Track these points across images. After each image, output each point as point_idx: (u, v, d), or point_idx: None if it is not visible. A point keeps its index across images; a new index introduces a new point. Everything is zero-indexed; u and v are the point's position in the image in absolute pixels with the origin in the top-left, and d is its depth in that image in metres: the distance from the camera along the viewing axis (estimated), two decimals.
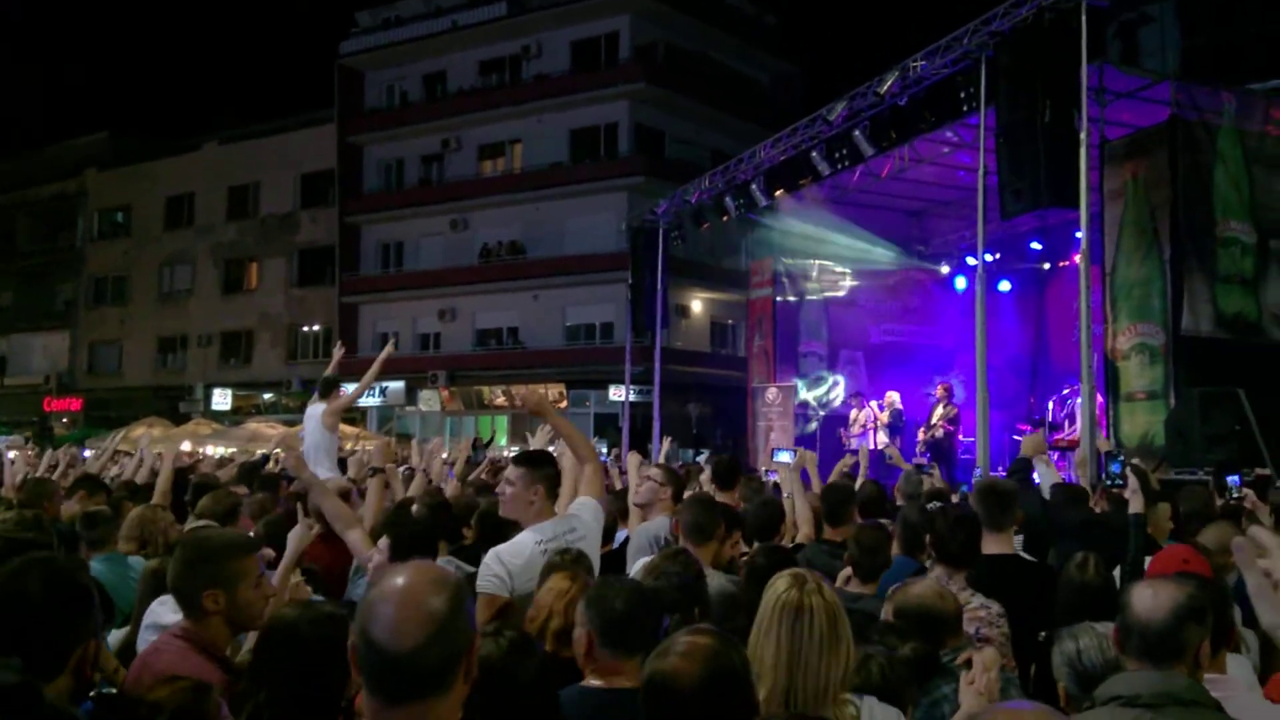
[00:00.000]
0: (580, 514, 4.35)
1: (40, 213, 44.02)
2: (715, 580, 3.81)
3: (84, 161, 42.74)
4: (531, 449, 4.85)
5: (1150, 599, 2.56)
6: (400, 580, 1.77)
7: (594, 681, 2.76)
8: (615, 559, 5.28)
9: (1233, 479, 7.66)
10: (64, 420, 39.04)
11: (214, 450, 21.38)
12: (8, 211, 44.23)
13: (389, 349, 10.48)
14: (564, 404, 30.24)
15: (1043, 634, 3.93)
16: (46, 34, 72.51)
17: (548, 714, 2.53)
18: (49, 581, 2.32)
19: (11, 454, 9.06)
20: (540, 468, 4.28)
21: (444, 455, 8.81)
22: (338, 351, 10.93)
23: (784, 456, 6.56)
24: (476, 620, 1.82)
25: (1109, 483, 5.73)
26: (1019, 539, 5.27)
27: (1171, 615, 2.51)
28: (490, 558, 4.14)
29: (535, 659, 2.56)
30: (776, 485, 7.27)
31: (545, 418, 4.68)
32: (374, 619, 1.73)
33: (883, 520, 5.27)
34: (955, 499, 7.32)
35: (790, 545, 5.45)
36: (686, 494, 6.24)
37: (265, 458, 10.25)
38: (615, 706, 2.67)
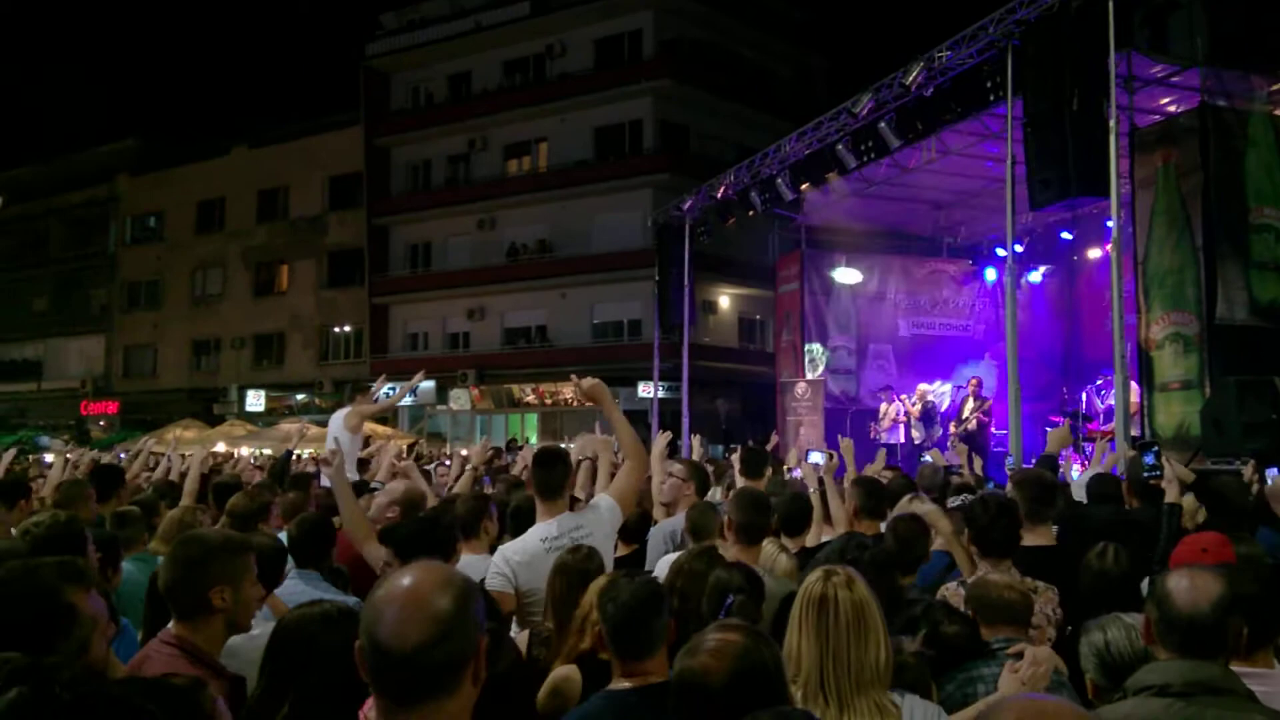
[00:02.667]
0: (596, 508, 4.37)
1: (73, 219, 44.59)
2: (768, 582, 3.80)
3: (115, 167, 43.25)
4: (545, 447, 4.87)
5: (1192, 591, 2.50)
6: (406, 580, 1.74)
7: (622, 684, 2.75)
8: (639, 557, 5.29)
9: (1272, 471, 7.52)
10: (101, 423, 39.56)
11: (248, 451, 21.59)
12: (41, 218, 44.85)
13: (419, 377, 10.56)
14: (592, 401, 30.21)
15: (1068, 628, 3.92)
16: (76, 41, 73.40)
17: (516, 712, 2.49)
18: (20, 598, 2.27)
19: (49, 457, 9.21)
20: (541, 466, 4.32)
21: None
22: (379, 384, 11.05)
23: (816, 457, 6.51)
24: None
25: (1145, 474, 5.64)
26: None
27: (1216, 608, 2.47)
28: (497, 555, 4.20)
29: (503, 660, 2.52)
30: (786, 482, 7.23)
31: (601, 405, 4.69)
32: (379, 619, 1.71)
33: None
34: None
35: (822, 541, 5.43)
36: (716, 490, 6.22)
37: (289, 454, 10.23)
38: (640, 708, 2.66)
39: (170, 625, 2.96)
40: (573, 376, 4.65)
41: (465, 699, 1.74)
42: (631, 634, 2.76)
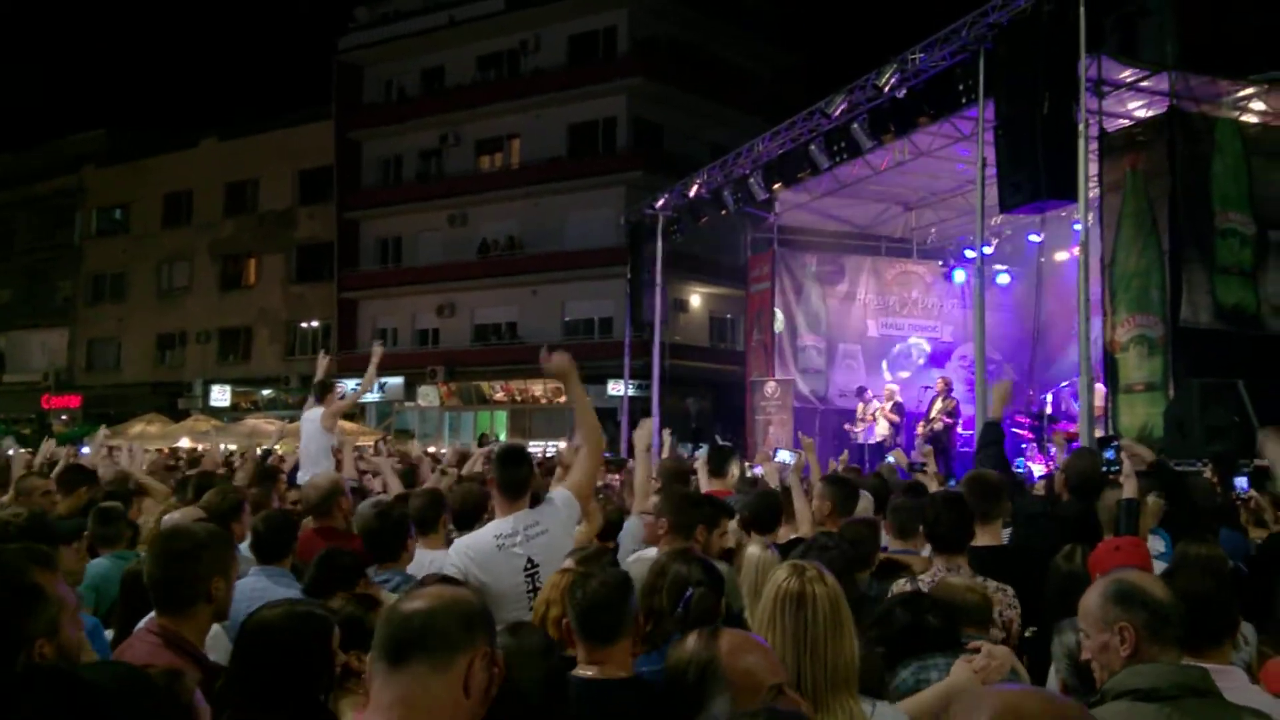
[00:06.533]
0: (552, 503, 4.35)
1: (38, 210, 43.92)
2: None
3: (82, 158, 42.64)
4: (510, 445, 4.84)
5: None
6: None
7: (585, 671, 2.77)
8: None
9: (1240, 482, 7.59)
10: (63, 417, 39.02)
11: (220, 446, 21.35)
12: (6, 208, 44.15)
13: (379, 349, 10.04)
14: (563, 398, 30.23)
15: (1031, 629, 3.93)
16: (44, 31, 72.38)
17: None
18: None
19: (10, 451, 9.08)
20: (505, 464, 4.31)
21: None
22: (323, 359, 10.84)
23: (784, 456, 6.53)
24: None
25: (1104, 469, 5.69)
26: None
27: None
28: (452, 550, 4.22)
29: (543, 665, 2.51)
30: (755, 480, 7.24)
31: (567, 384, 4.65)
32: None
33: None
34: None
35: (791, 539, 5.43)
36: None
37: (268, 453, 10.21)
38: (604, 696, 2.68)
39: (153, 617, 3.00)
40: (544, 349, 4.58)
41: (456, 682, 1.80)
42: (596, 618, 2.77)
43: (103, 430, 9.77)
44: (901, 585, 4.00)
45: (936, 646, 3.16)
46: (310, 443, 8.84)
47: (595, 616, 2.77)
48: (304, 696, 2.48)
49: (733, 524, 5.25)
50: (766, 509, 5.24)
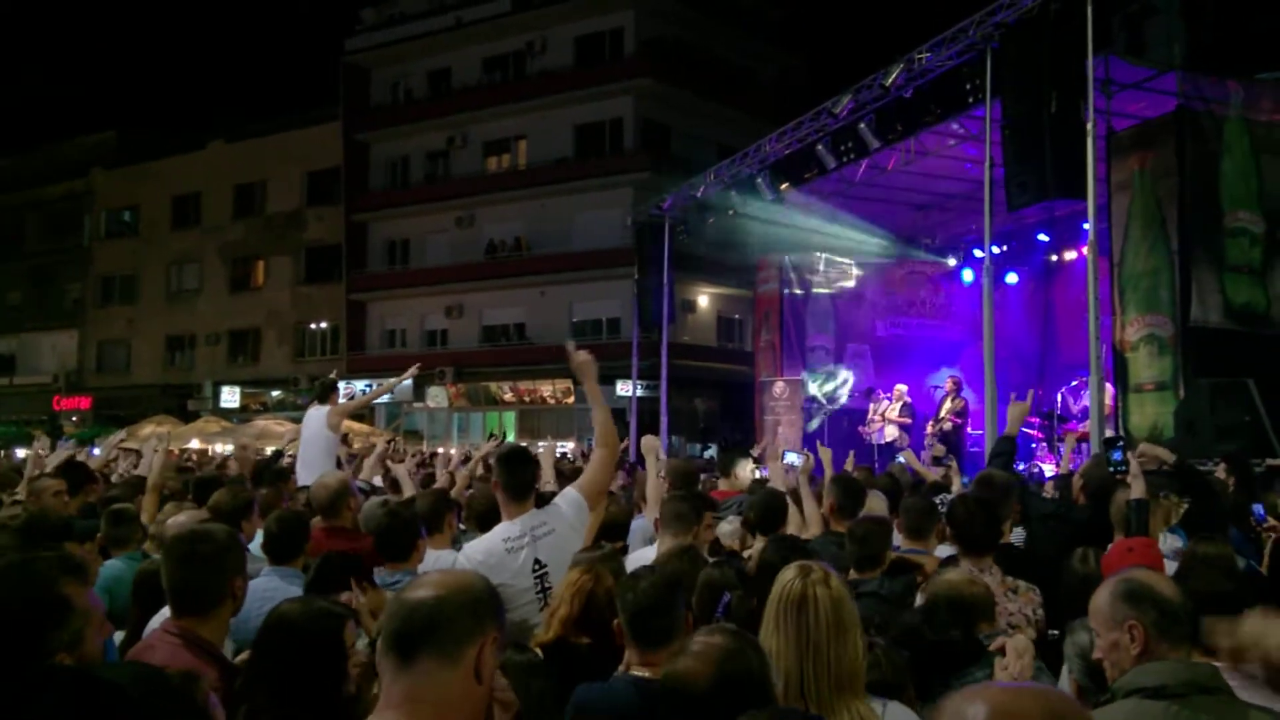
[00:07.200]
0: (558, 504, 4.36)
1: (48, 212, 44.11)
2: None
3: (91, 161, 42.81)
4: (513, 447, 4.85)
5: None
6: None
7: (641, 672, 2.78)
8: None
9: (1258, 509, 7.52)
10: (74, 419, 39.16)
11: (223, 447, 21.45)
12: (16, 211, 44.35)
13: (413, 370, 9.91)
14: (570, 399, 30.25)
15: (1051, 631, 3.94)
16: (52, 33, 72.66)
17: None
18: (14, 587, 2.25)
19: (21, 452, 9.12)
20: (508, 466, 4.32)
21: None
22: (343, 386, 10.74)
23: (792, 458, 6.56)
24: None
25: (1111, 470, 5.69)
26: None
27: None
28: (461, 554, 4.26)
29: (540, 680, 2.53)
30: (765, 481, 7.27)
31: (586, 384, 4.68)
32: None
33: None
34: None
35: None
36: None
37: (278, 454, 10.20)
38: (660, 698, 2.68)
39: (170, 618, 3.01)
40: (569, 344, 4.63)
41: (466, 678, 1.79)
42: (648, 622, 2.79)
43: (118, 434, 9.76)
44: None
45: (967, 659, 3.15)
46: (311, 444, 8.56)
47: (647, 621, 2.78)
48: (320, 690, 2.50)
49: (731, 526, 5.28)
50: (771, 510, 5.25)
